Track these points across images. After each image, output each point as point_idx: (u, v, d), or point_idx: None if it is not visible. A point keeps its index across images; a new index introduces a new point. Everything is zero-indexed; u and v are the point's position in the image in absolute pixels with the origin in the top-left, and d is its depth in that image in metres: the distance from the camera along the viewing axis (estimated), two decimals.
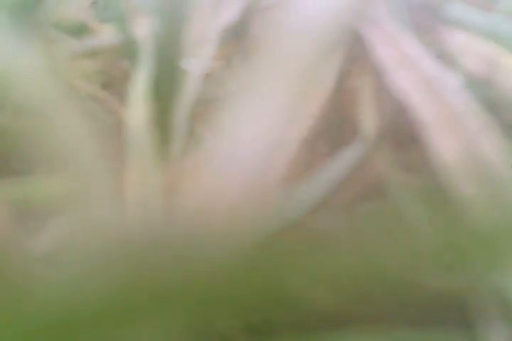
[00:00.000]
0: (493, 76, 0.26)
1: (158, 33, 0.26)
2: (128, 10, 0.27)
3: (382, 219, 0.25)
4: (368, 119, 0.26)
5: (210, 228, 0.24)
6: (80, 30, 0.26)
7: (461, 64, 0.26)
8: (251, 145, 0.25)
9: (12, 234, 0.24)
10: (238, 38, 0.26)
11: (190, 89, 0.26)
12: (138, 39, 0.26)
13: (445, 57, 0.26)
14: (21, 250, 0.24)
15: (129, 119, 0.25)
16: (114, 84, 0.26)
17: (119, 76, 0.26)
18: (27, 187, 0.25)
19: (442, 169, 0.25)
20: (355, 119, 0.26)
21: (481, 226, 0.24)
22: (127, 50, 0.26)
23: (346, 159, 0.25)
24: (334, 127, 0.26)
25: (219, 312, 0.24)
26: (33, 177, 0.25)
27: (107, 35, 0.26)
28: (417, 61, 0.26)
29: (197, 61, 0.26)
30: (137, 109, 0.25)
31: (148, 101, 0.25)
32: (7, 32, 0.26)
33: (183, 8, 0.27)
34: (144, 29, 0.26)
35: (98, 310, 0.23)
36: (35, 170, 0.25)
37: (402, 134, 0.26)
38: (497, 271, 0.24)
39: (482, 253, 0.24)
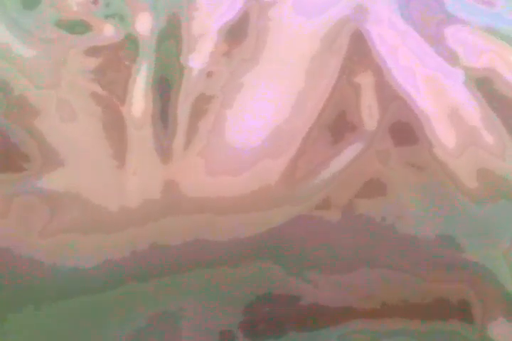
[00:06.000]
0: (494, 71, 0.26)
1: (159, 29, 0.26)
2: (129, 7, 0.27)
3: (384, 215, 0.25)
4: (370, 115, 0.25)
5: (212, 221, 0.24)
6: (81, 28, 0.26)
7: (463, 59, 0.26)
8: (253, 141, 0.25)
9: (17, 228, 0.24)
10: (239, 35, 0.26)
11: (191, 85, 0.26)
12: (139, 36, 0.26)
13: (447, 53, 0.26)
14: (26, 243, 0.24)
15: (131, 116, 0.25)
16: (116, 81, 0.26)
17: (121, 73, 0.26)
18: (30, 182, 0.25)
19: (444, 164, 0.25)
20: (358, 115, 0.26)
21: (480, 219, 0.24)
22: (128, 47, 0.26)
23: (348, 154, 0.25)
24: (336, 123, 0.25)
25: (220, 309, 0.24)
26: (36, 173, 0.25)
27: (108, 32, 0.26)
28: (419, 57, 0.26)
29: (198, 57, 0.26)
30: (139, 106, 0.25)
31: (150, 97, 0.25)
32: (9, 30, 0.26)
33: (184, 4, 0.27)
34: (145, 26, 0.26)
35: (100, 300, 0.23)
36: (37, 166, 0.25)
37: (404, 130, 0.25)
38: (497, 265, 0.24)
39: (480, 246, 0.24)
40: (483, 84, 0.26)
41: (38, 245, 0.24)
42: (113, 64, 0.26)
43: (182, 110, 0.25)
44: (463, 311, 0.24)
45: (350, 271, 0.24)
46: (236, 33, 0.26)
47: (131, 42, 0.26)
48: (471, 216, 0.25)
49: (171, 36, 0.26)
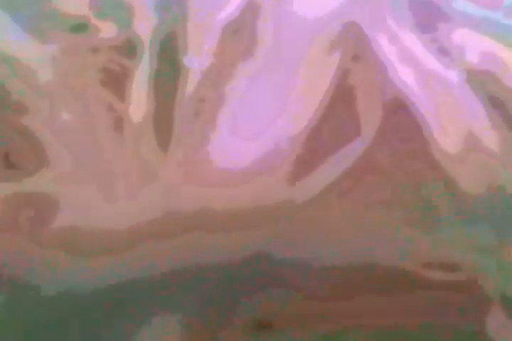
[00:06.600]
0: (493, 71, 0.26)
1: (158, 29, 0.26)
2: (129, 6, 0.27)
3: (385, 217, 0.25)
4: (370, 116, 0.26)
5: (211, 222, 0.24)
6: (80, 27, 0.26)
7: (462, 60, 0.26)
8: (252, 140, 0.25)
9: (17, 226, 0.24)
10: (239, 34, 0.26)
11: (191, 85, 0.26)
12: (139, 36, 0.26)
13: (447, 54, 0.26)
14: (26, 241, 0.24)
15: (130, 116, 0.25)
16: (115, 81, 0.26)
17: (120, 73, 0.26)
18: (30, 182, 0.25)
19: (444, 164, 0.25)
20: (357, 116, 0.26)
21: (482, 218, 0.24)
22: (128, 47, 0.26)
23: (348, 155, 0.25)
24: (336, 123, 0.26)
25: (218, 309, 0.24)
26: (36, 172, 0.25)
27: (107, 31, 0.26)
28: (419, 57, 0.26)
29: (198, 57, 0.26)
30: (138, 106, 0.25)
31: (150, 97, 0.25)
32: (9, 29, 0.26)
33: (185, 4, 0.27)
34: (144, 25, 0.26)
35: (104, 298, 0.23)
36: (37, 166, 0.25)
37: (404, 130, 0.25)
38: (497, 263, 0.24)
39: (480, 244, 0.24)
40: (483, 84, 0.26)
41: (30, 243, 0.24)
42: (112, 63, 0.26)
43: (181, 110, 0.25)
44: (458, 308, 0.24)
45: (347, 270, 0.24)
46: (236, 33, 0.26)
47: (130, 42, 0.26)
48: (471, 215, 0.25)
49: (171, 36, 0.26)
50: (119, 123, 0.25)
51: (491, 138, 0.25)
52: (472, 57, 0.26)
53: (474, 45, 0.27)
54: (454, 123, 0.25)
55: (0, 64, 0.26)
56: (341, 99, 0.26)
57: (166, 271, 0.24)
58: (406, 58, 0.26)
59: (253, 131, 0.25)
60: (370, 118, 0.25)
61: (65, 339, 0.24)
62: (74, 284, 0.24)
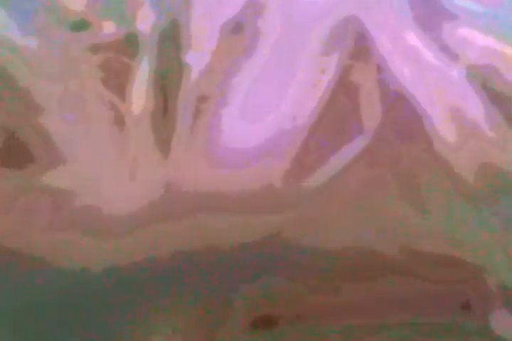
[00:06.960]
0: (494, 66, 0.26)
1: (159, 27, 0.26)
2: (129, 4, 0.27)
3: (386, 213, 0.25)
4: (372, 113, 0.26)
5: (210, 218, 0.24)
6: (81, 25, 0.26)
7: (463, 56, 0.26)
8: (252, 140, 0.25)
9: (20, 224, 0.24)
10: (241, 33, 0.26)
11: (191, 83, 0.26)
12: (139, 33, 0.26)
13: (447, 50, 0.26)
14: (29, 238, 0.24)
15: (131, 113, 0.25)
16: (116, 78, 0.26)
17: (121, 70, 0.26)
18: (32, 178, 0.25)
19: (446, 160, 0.25)
20: (359, 113, 0.26)
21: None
22: (129, 45, 0.26)
23: (349, 153, 0.25)
24: (337, 121, 0.25)
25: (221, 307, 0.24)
26: (38, 169, 0.25)
27: (108, 29, 0.26)
28: (420, 54, 0.26)
29: (199, 55, 0.26)
30: (139, 103, 0.25)
31: (150, 94, 0.25)
32: (9, 27, 0.26)
33: (186, 1, 0.27)
34: (145, 23, 0.26)
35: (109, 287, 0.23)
36: (39, 162, 0.25)
37: (406, 127, 0.25)
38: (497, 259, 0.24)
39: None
40: (484, 81, 0.26)
41: (41, 240, 0.24)
42: (113, 61, 0.26)
43: (182, 108, 0.25)
44: (461, 302, 0.24)
45: (348, 262, 0.24)
46: (237, 30, 0.26)
47: (131, 40, 0.26)
48: (471, 213, 0.25)
49: (172, 33, 0.26)
50: (119, 120, 0.25)
51: (490, 130, 0.25)
52: (473, 53, 0.26)
53: (475, 41, 0.27)
54: (454, 120, 0.25)
55: (6, 62, 0.26)
56: (343, 98, 0.26)
57: (173, 253, 0.24)
58: (407, 55, 0.26)
59: (253, 130, 0.25)
60: (372, 116, 0.25)
61: (76, 316, 0.24)
62: (85, 264, 0.24)
